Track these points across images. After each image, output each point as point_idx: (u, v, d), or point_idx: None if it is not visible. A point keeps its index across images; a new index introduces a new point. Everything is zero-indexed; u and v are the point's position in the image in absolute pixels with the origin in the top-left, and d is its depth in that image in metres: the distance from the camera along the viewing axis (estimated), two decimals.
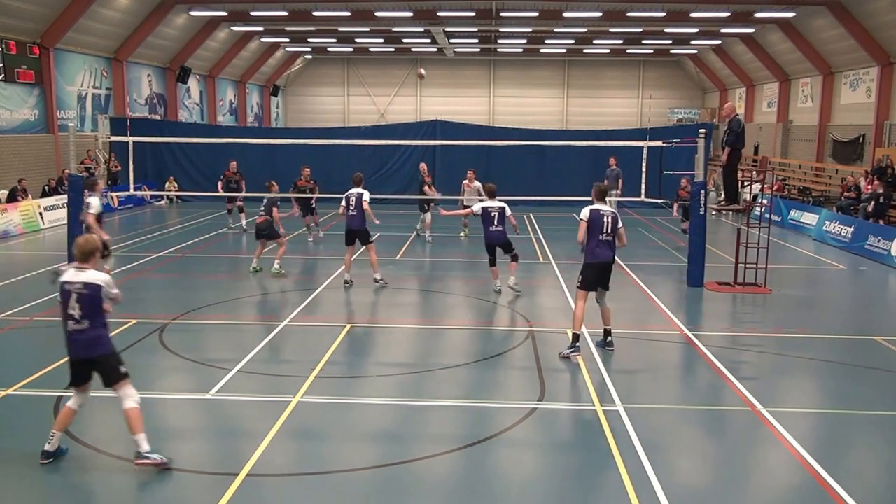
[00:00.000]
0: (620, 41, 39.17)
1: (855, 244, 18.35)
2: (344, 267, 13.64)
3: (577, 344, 9.50)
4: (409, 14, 30.89)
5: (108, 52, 28.28)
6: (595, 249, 9.46)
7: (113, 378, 6.43)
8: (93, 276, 6.33)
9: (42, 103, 24.27)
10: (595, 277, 9.59)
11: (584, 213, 9.53)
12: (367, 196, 13.29)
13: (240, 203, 20.06)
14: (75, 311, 6.25)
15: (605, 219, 9.46)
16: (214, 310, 11.87)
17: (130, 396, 6.42)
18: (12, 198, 20.96)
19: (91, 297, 6.26)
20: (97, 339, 6.34)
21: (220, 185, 19.72)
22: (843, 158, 29.25)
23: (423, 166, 20.31)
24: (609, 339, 9.89)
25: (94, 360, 6.41)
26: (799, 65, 32.85)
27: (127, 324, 10.71)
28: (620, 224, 9.67)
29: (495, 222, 12.69)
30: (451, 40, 39.62)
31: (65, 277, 6.37)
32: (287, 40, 41.26)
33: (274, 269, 14.18)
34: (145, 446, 6.34)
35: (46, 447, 6.46)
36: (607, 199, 10.02)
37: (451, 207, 15.67)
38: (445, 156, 26.51)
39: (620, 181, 21.18)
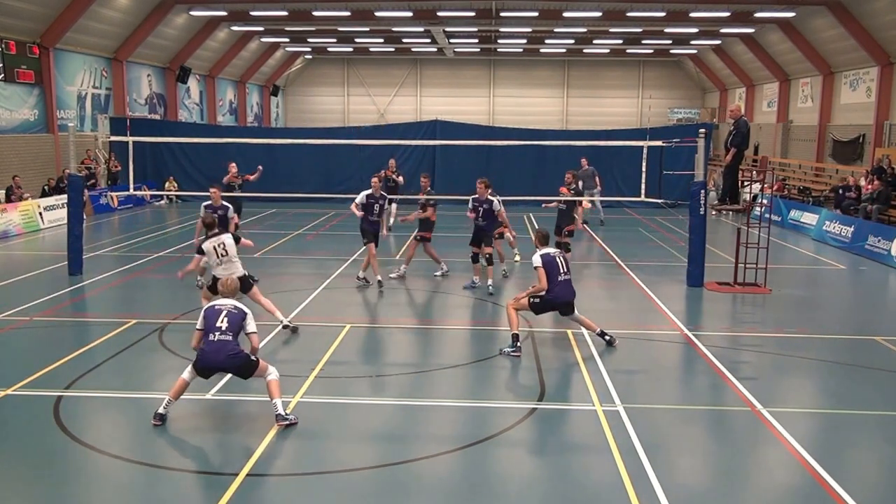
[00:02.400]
0: (620, 41, 39.12)
1: (855, 244, 18.34)
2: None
3: (518, 344, 9.61)
4: (409, 14, 30.86)
5: (107, 52, 28.27)
6: (556, 290, 9.57)
7: (250, 371, 7.34)
8: (242, 305, 7.51)
9: (42, 103, 24.25)
10: (550, 309, 9.82)
11: (537, 259, 9.64)
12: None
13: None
14: (224, 324, 7.22)
15: (557, 259, 9.65)
16: None
17: (270, 373, 7.35)
18: (8, 197, 20.93)
19: (237, 317, 7.28)
20: (236, 355, 7.21)
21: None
22: (843, 158, 29.22)
23: (392, 162, 20.08)
24: (607, 338, 9.97)
25: (227, 368, 7.33)
26: (799, 65, 32.83)
27: (127, 324, 10.72)
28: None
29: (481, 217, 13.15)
30: (451, 40, 39.58)
31: (216, 301, 7.51)
32: (287, 40, 41.22)
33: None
34: (280, 410, 7.21)
35: (160, 410, 7.27)
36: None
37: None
38: (445, 156, 26.51)
39: (597, 178, 21.29)
